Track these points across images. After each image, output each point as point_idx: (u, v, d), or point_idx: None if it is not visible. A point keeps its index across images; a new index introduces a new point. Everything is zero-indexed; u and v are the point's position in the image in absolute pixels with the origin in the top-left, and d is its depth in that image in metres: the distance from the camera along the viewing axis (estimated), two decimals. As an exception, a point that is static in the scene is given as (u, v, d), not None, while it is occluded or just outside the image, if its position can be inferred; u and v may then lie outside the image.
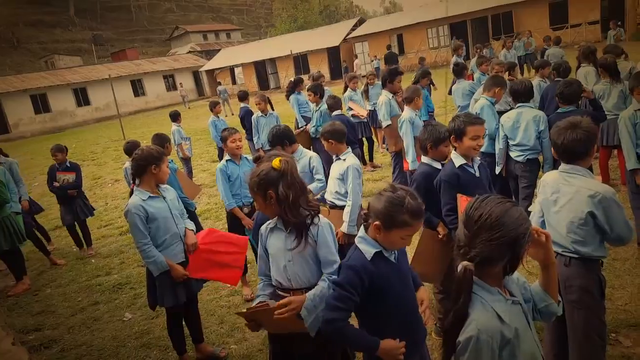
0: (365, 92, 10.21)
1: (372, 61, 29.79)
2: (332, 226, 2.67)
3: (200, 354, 4.23)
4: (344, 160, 4.39)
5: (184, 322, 4.18)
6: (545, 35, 13.17)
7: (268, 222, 2.71)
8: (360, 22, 42.76)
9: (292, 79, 9.96)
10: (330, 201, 4.55)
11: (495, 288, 1.76)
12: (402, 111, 6.69)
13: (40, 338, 5.08)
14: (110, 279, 6.37)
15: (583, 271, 2.77)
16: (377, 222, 2.26)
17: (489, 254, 1.71)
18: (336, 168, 4.46)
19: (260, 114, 8.93)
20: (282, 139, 4.60)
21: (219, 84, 30.86)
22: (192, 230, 4.07)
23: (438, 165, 3.87)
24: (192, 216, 6.13)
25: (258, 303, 2.67)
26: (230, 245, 4.04)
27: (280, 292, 2.67)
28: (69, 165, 7.39)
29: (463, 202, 3.42)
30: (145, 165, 3.74)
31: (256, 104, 8.95)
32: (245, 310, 2.67)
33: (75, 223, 7.58)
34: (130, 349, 4.58)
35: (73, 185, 7.37)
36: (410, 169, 6.13)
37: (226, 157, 5.05)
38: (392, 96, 7.24)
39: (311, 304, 2.50)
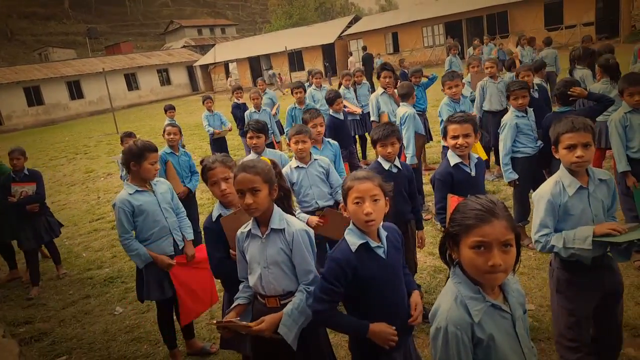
0: (354, 92, 9.57)
1: (377, 59, 28.87)
2: (309, 233, 2.62)
3: (191, 349, 4.24)
4: (315, 159, 4.40)
5: (175, 317, 4.19)
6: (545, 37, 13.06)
7: (244, 225, 2.69)
8: (356, 19, 42.70)
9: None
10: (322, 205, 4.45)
11: (477, 287, 1.77)
12: (398, 107, 6.76)
13: (30, 331, 5.07)
14: (102, 273, 6.36)
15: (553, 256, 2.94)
16: (342, 204, 2.45)
17: (442, 240, 1.87)
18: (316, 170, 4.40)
19: (253, 109, 8.91)
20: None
21: (270, 67, 30.68)
22: (192, 240, 4.10)
23: (386, 166, 3.88)
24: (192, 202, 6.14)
25: (234, 309, 2.68)
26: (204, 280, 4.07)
27: (258, 298, 2.67)
28: (27, 173, 6.04)
29: (453, 202, 3.44)
30: (127, 160, 3.75)
31: (252, 100, 8.94)
32: (215, 321, 2.67)
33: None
34: (120, 343, 4.58)
35: (34, 199, 6.04)
36: (408, 163, 6.16)
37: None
38: (383, 92, 7.28)
39: (289, 320, 2.45)
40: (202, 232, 3.24)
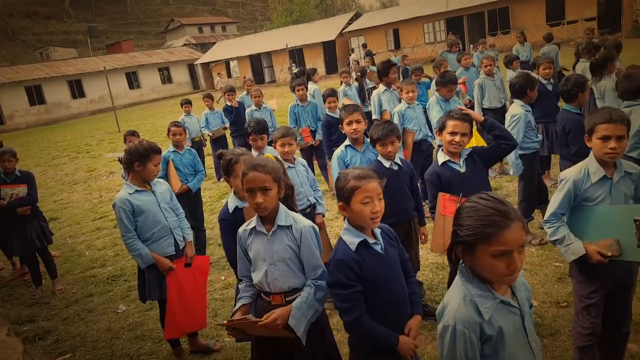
0: (362, 90, 9.47)
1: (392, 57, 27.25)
2: (315, 229, 2.65)
3: (194, 347, 4.25)
4: (298, 159, 4.55)
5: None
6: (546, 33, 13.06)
7: (246, 223, 2.69)
8: (357, 16, 42.61)
9: (295, 71, 9.79)
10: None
11: (486, 285, 1.77)
12: (399, 103, 6.78)
13: (34, 329, 5.08)
14: (105, 271, 6.38)
15: None
16: (340, 203, 2.39)
17: (451, 247, 1.85)
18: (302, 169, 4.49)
19: (254, 107, 8.90)
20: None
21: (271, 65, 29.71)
22: (191, 241, 4.13)
23: (387, 164, 3.87)
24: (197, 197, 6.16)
25: (240, 309, 2.67)
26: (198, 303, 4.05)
27: (262, 295, 2.67)
28: (18, 174, 5.71)
29: (444, 200, 3.43)
30: (131, 160, 3.75)
31: (253, 98, 8.93)
32: (225, 321, 2.65)
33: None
34: (124, 341, 4.60)
35: (25, 201, 5.68)
36: None
37: (346, 142, 4.42)
38: (385, 89, 7.28)
39: (298, 312, 2.48)
40: (219, 224, 3.28)
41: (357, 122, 4.29)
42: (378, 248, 2.40)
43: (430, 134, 6.48)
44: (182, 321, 3.91)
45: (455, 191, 3.41)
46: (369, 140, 4.37)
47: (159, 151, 3.86)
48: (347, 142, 4.39)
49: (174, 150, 6.00)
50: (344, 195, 2.37)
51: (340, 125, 4.46)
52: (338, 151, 4.37)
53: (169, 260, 3.87)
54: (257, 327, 2.49)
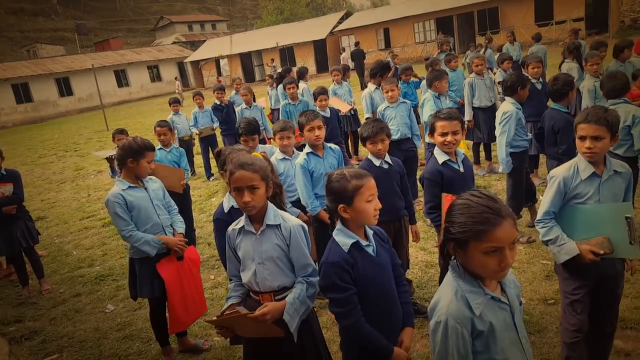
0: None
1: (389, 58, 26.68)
2: (304, 227, 2.64)
3: (183, 346, 4.23)
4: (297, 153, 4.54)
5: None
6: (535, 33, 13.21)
7: (235, 222, 2.68)
8: (347, 15, 42.67)
9: (279, 71, 9.80)
10: None
11: (477, 281, 1.78)
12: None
13: (21, 329, 5.03)
14: (93, 271, 6.33)
15: None
16: (341, 205, 2.33)
17: (443, 244, 1.88)
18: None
19: (245, 106, 8.89)
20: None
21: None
22: (182, 233, 4.09)
23: (377, 162, 3.89)
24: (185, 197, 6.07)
25: (229, 308, 2.64)
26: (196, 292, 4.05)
27: (252, 295, 2.66)
28: (4, 173, 5.57)
29: (447, 201, 3.41)
30: (125, 157, 3.73)
31: (242, 96, 8.92)
32: (215, 317, 2.62)
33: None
34: (112, 341, 4.56)
35: (11, 199, 5.57)
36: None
37: (306, 149, 4.37)
38: (376, 88, 7.32)
39: (292, 308, 2.47)
40: (213, 224, 3.28)
41: (319, 128, 4.27)
42: (370, 250, 2.38)
43: (417, 134, 6.46)
44: (184, 314, 3.93)
45: (455, 190, 3.40)
46: (328, 145, 4.41)
47: (152, 148, 3.87)
48: (307, 149, 4.34)
49: (160, 148, 5.99)
50: (347, 195, 2.32)
51: (300, 133, 4.43)
52: (301, 160, 4.29)
53: (175, 239, 3.89)
54: (247, 323, 2.48)
